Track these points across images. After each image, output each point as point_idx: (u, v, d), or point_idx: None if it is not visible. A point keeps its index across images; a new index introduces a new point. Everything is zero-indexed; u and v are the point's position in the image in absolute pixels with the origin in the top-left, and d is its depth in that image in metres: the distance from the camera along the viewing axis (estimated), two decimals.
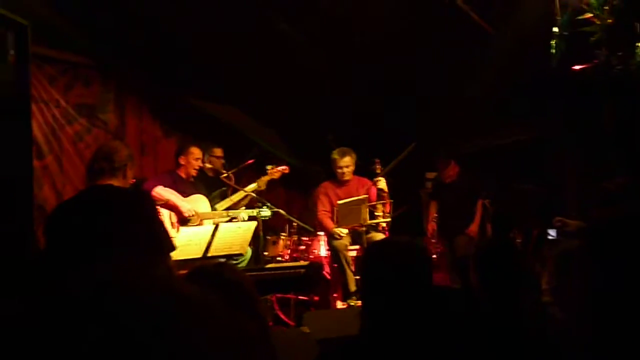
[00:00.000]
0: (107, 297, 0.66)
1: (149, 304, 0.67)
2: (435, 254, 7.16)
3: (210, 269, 2.08)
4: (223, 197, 5.76)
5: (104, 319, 0.63)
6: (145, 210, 3.12)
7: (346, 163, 6.01)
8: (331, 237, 5.87)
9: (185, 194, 5.38)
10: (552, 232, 4.75)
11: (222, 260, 4.56)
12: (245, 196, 5.61)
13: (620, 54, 4.80)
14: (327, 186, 6.18)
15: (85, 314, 0.63)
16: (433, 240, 7.04)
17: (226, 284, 1.87)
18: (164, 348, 0.63)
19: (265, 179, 5.77)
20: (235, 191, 5.74)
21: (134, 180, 3.52)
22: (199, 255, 4.50)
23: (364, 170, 6.21)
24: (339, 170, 6.03)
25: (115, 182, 3.20)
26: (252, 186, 5.66)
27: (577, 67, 4.61)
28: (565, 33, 4.91)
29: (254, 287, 1.96)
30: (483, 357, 2.28)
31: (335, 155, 6.06)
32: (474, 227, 6.64)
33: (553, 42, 4.90)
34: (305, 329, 3.73)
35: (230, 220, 5.24)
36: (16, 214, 2.90)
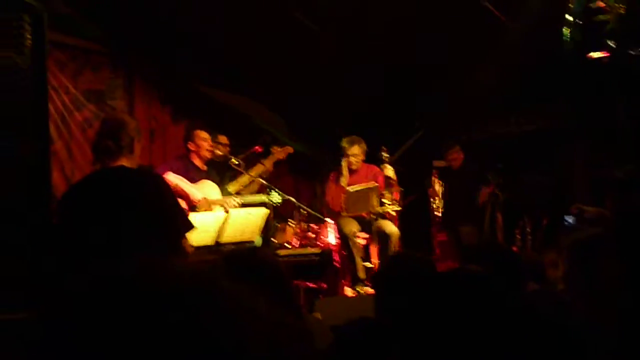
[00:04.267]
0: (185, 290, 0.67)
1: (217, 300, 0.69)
2: (439, 243, 7.18)
3: (245, 253, 2.09)
4: (231, 180, 5.75)
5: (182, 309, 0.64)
6: (158, 193, 3.09)
7: (354, 152, 5.98)
8: (340, 223, 5.85)
9: (194, 180, 5.37)
10: (569, 219, 4.74)
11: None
12: (252, 180, 5.59)
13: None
14: (336, 174, 6.17)
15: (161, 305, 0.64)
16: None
17: (261, 268, 1.88)
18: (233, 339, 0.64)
19: (270, 158, 5.74)
20: (242, 175, 5.72)
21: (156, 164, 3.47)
22: (211, 243, 4.50)
23: (371, 157, 6.20)
24: (351, 159, 6.01)
25: (125, 161, 3.07)
26: (259, 167, 5.63)
27: (592, 55, 4.57)
28: (579, 21, 4.89)
29: (287, 271, 1.97)
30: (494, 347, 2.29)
31: (344, 143, 6.04)
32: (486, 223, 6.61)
33: (566, 30, 4.88)
34: (318, 315, 3.75)
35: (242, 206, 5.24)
36: (33, 202, 2.90)
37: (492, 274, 1.87)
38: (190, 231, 3.18)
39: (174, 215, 3.14)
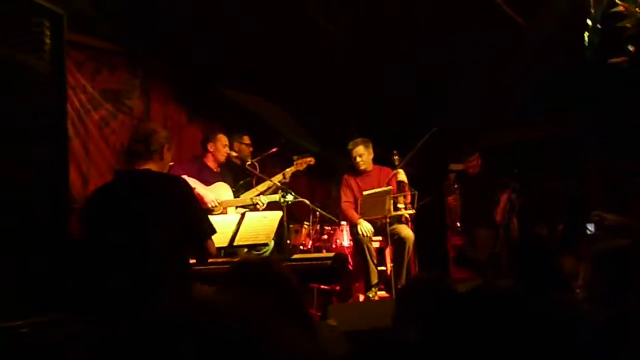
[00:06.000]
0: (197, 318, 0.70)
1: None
2: (456, 248, 7.14)
3: (257, 264, 2.07)
4: (248, 187, 5.76)
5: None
6: (184, 196, 3.15)
7: (359, 152, 6.00)
8: (354, 227, 5.86)
9: (208, 182, 5.38)
10: (590, 227, 4.71)
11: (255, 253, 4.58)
12: (271, 186, 5.61)
13: None
14: (348, 177, 6.18)
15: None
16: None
17: (274, 280, 1.87)
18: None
19: (291, 169, 5.76)
20: (260, 180, 5.73)
21: (172, 162, 3.51)
22: (225, 245, 4.50)
23: (385, 160, 6.19)
24: (354, 160, 6.04)
25: (153, 165, 3.18)
26: (278, 177, 5.65)
27: (612, 61, 4.52)
28: (599, 26, 4.83)
29: (298, 281, 1.96)
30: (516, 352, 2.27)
31: (349, 145, 6.08)
32: (498, 217, 6.57)
33: (586, 35, 4.81)
34: (332, 322, 3.74)
35: (253, 208, 5.25)
36: (52, 203, 2.92)
37: (514, 288, 1.85)
38: (213, 235, 3.23)
39: (199, 219, 3.20)
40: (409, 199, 5.84)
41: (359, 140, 6.09)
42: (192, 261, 3.37)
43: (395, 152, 6.07)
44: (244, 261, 2.24)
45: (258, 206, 5.30)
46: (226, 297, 0.80)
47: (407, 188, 5.86)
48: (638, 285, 2.09)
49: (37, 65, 2.67)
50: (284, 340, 0.77)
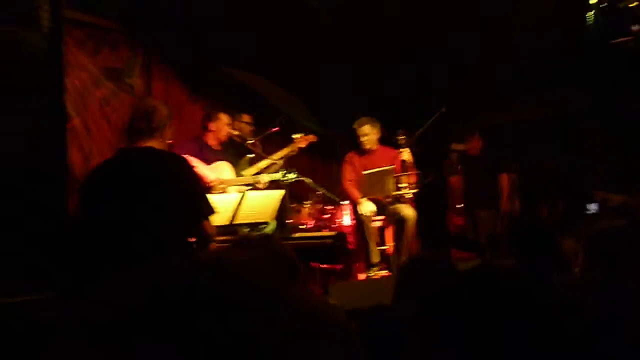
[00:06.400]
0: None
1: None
2: (457, 228, 7.16)
3: (257, 241, 2.08)
4: (250, 164, 5.75)
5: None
6: (184, 175, 3.15)
7: (364, 132, 5.98)
8: (357, 206, 5.85)
9: (209, 161, 5.37)
10: (593, 207, 4.69)
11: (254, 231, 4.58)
12: (272, 164, 5.60)
13: None
14: (352, 155, 6.16)
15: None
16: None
17: (274, 256, 1.87)
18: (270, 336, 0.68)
19: (292, 146, 5.74)
20: (261, 158, 5.72)
21: (172, 140, 3.51)
22: (226, 223, 4.51)
23: (389, 140, 6.16)
24: (359, 140, 6.02)
25: (154, 143, 3.19)
26: (279, 154, 5.64)
27: (617, 41, 4.49)
28: (603, 5, 4.79)
29: (297, 258, 1.97)
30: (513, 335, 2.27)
31: (355, 124, 6.05)
32: (504, 203, 6.57)
33: (590, 14, 4.78)
34: (332, 300, 3.75)
35: (252, 187, 5.24)
36: (50, 180, 2.92)
37: (513, 269, 1.85)
38: (212, 215, 3.23)
39: (198, 199, 3.21)
40: (413, 179, 5.83)
41: (364, 119, 6.05)
42: (192, 240, 3.38)
43: (401, 130, 6.04)
44: (245, 238, 2.25)
45: (259, 185, 5.28)
46: (232, 256, 0.80)
47: (411, 168, 5.85)
48: (632, 268, 2.07)
49: (34, 42, 2.65)
50: (291, 296, 0.77)
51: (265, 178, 5.35)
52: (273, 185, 5.30)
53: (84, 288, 2.84)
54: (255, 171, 5.59)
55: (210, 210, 3.23)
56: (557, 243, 2.96)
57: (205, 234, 3.24)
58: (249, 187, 5.15)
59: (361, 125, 6.01)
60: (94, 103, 6.19)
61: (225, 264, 0.73)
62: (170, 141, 3.44)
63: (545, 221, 6.20)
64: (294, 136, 5.79)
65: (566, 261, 3.34)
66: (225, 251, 1.94)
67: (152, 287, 0.70)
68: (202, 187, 3.36)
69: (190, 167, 3.30)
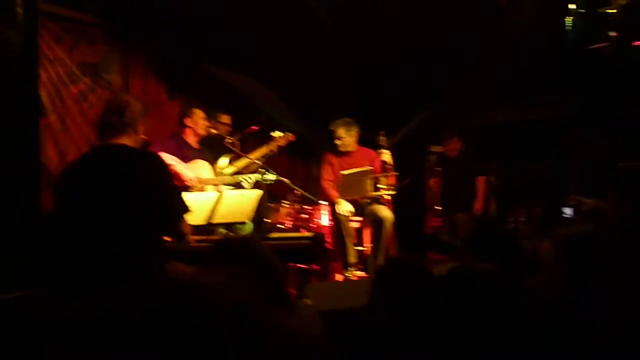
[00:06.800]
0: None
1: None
2: (434, 230, 7.18)
3: (237, 243, 2.07)
4: (229, 163, 5.70)
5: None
6: (157, 173, 3.11)
7: (341, 134, 5.97)
8: (335, 206, 5.84)
9: (188, 159, 5.32)
10: (568, 211, 4.73)
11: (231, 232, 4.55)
12: (250, 164, 5.56)
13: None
14: (331, 156, 6.15)
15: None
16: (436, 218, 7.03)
17: (254, 258, 1.86)
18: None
19: (270, 146, 5.70)
20: (240, 158, 5.68)
21: (146, 137, 3.46)
22: (203, 222, 4.47)
23: (369, 141, 6.16)
24: (336, 142, 6.01)
25: (127, 139, 3.13)
26: (258, 153, 5.60)
27: (593, 47, 4.53)
28: (582, 10, 4.83)
29: (277, 259, 1.96)
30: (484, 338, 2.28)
31: (332, 126, 6.04)
32: (478, 205, 6.61)
33: (569, 20, 4.82)
34: (308, 302, 3.73)
35: (234, 186, 5.20)
36: (22, 175, 2.87)
37: (488, 272, 1.85)
38: (186, 214, 3.20)
39: (172, 197, 3.16)
40: (392, 181, 5.84)
41: (339, 121, 6.03)
42: (167, 239, 3.34)
43: (381, 132, 6.03)
44: (225, 240, 2.23)
45: (244, 184, 5.23)
46: (210, 278, 0.78)
47: (391, 169, 5.85)
48: (599, 269, 2.09)
49: (8, 35, 2.60)
50: (271, 322, 0.76)
51: (253, 178, 5.30)
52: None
53: (55, 287, 2.79)
54: (234, 171, 5.54)
55: (185, 209, 3.20)
56: (518, 246, 2.98)
57: (179, 233, 3.21)
58: (231, 187, 5.11)
59: (336, 127, 6.00)
60: (70, 99, 6.11)
61: (202, 293, 0.72)
62: (145, 137, 3.38)
63: (522, 225, 6.25)
64: (273, 134, 5.75)
65: (541, 264, 3.37)
66: (202, 272, 1.91)
67: (119, 320, 0.70)
68: (176, 185, 3.32)
69: (163, 165, 3.26)
